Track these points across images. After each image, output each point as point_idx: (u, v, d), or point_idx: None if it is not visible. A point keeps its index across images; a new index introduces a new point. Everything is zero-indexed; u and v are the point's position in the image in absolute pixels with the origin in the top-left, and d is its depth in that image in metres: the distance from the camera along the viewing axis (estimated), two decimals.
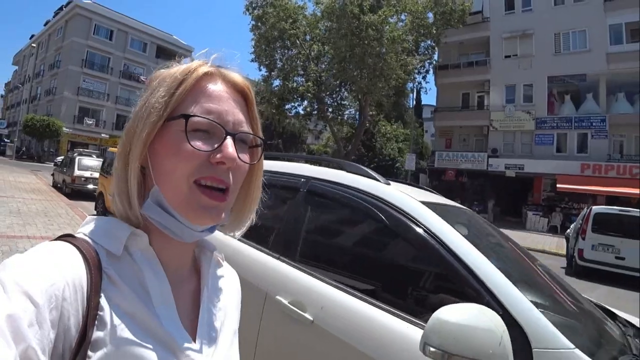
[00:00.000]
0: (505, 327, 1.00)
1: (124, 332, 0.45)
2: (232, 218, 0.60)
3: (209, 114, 0.51)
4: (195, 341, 0.52)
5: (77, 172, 12.81)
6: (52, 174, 16.37)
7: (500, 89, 22.74)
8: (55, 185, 14.95)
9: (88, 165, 13.28)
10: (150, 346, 0.46)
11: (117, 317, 0.46)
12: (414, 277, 1.65)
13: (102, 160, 11.71)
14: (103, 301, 0.46)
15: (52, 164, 20.95)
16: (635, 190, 17.35)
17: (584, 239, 9.20)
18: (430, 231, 1.49)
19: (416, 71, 20.98)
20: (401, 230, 1.59)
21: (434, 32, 20.33)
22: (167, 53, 44.35)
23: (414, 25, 20.37)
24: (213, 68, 0.54)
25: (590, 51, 20.40)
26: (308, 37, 21.17)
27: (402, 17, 20.36)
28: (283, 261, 1.75)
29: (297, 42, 20.93)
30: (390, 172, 26.21)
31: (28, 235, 6.74)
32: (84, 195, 12.45)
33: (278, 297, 1.62)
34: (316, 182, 1.93)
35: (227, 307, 0.62)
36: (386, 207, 1.63)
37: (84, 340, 0.43)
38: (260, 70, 22.12)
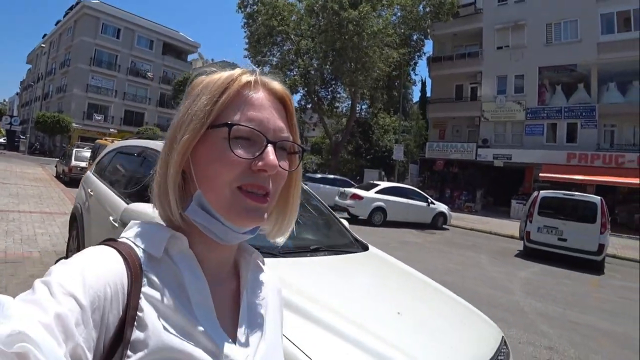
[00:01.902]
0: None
1: (163, 333, 0.46)
2: (273, 224, 0.62)
3: (251, 122, 0.52)
4: (235, 343, 0.53)
5: (73, 163, 14.22)
6: (55, 166, 17.57)
7: (492, 80, 22.90)
8: (57, 176, 16.10)
9: (83, 156, 14.80)
10: (190, 348, 0.47)
11: (156, 318, 0.47)
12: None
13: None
14: (143, 302, 0.47)
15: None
16: (619, 179, 17.52)
17: (531, 222, 9.57)
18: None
19: (404, 64, 21.33)
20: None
21: (423, 25, 20.64)
22: (173, 49, 45.29)
23: (405, 18, 20.73)
24: (254, 76, 0.55)
25: (582, 41, 20.43)
26: (297, 33, 21.75)
27: (392, 10, 20.75)
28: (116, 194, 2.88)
29: (287, 38, 21.55)
30: (385, 162, 26.59)
31: (19, 210, 7.62)
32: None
33: (110, 217, 2.63)
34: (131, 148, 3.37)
35: (267, 310, 0.62)
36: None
37: (121, 340, 0.44)
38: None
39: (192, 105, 0.53)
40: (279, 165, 0.53)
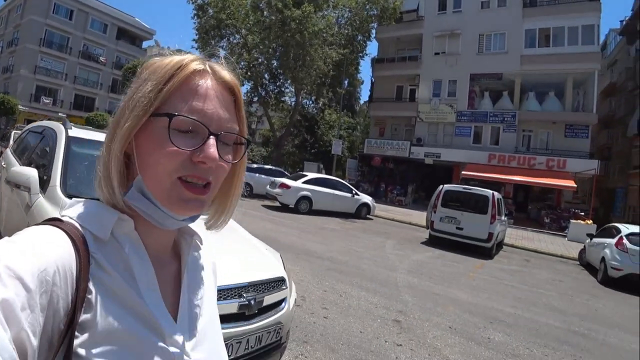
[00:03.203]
0: None
1: (111, 314, 0.47)
2: (213, 214, 0.62)
3: (194, 112, 0.51)
4: (176, 322, 0.55)
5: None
6: None
7: (428, 83, 24.39)
8: None
9: None
10: (136, 327, 0.49)
11: (104, 299, 0.47)
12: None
13: None
14: (91, 284, 0.47)
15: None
16: (529, 179, 19.53)
17: (435, 212, 10.66)
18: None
19: (347, 63, 22.14)
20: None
21: (367, 27, 21.53)
22: (128, 35, 43.48)
23: (351, 20, 21.47)
24: (204, 65, 0.54)
25: (508, 53, 22.35)
26: (245, 28, 21.88)
27: (341, 12, 21.47)
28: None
29: (235, 32, 21.62)
30: (328, 156, 27.41)
31: None
32: None
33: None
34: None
35: (205, 289, 0.63)
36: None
37: (72, 323, 0.44)
38: None
39: (137, 91, 0.52)
40: (221, 157, 0.52)
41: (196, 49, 22.69)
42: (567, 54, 20.47)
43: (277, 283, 2.51)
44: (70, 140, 2.98)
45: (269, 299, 2.37)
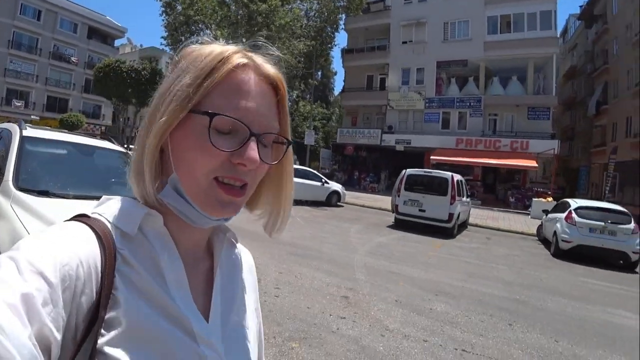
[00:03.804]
0: None
1: (138, 311, 0.46)
2: (268, 218, 0.61)
3: (236, 111, 0.48)
4: (208, 321, 0.53)
5: None
6: None
7: (397, 71, 24.82)
8: None
9: None
10: (164, 326, 0.47)
11: (131, 296, 0.46)
12: None
13: None
14: (117, 281, 0.46)
15: None
16: (494, 160, 20.26)
17: (399, 196, 11.05)
18: None
19: (316, 55, 22.29)
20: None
21: (335, 18, 21.71)
22: (99, 34, 42.57)
23: (319, 12, 21.55)
24: (247, 58, 0.51)
25: (472, 39, 22.95)
26: (214, 23, 21.73)
27: (309, 4, 21.53)
28: None
29: (204, 27, 21.41)
30: (303, 147, 27.63)
31: None
32: None
33: None
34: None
35: (240, 288, 0.62)
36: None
37: (96, 319, 0.43)
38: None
39: (176, 82, 0.50)
40: (261, 159, 0.50)
41: (166, 46, 22.39)
42: (527, 39, 21.21)
43: None
44: (24, 139, 3.25)
45: None
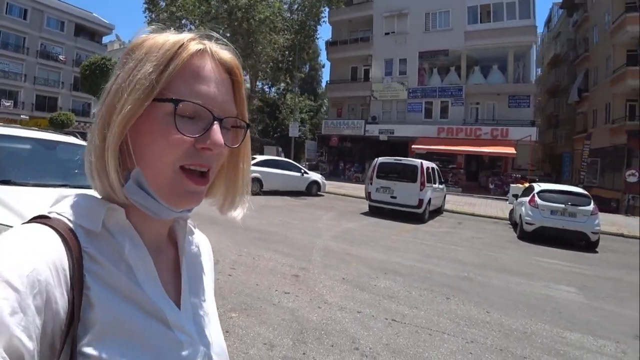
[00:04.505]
0: None
1: (112, 308, 0.46)
2: (224, 199, 0.61)
3: (198, 97, 0.49)
4: (180, 309, 0.54)
5: None
6: None
7: (380, 62, 25.07)
8: None
9: None
10: (140, 318, 0.48)
11: (103, 294, 0.46)
12: None
13: None
14: (88, 280, 0.45)
15: None
16: (475, 148, 20.65)
17: (371, 184, 11.39)
18: None
19: (299, 48, 22.49)
20: None
21: (316, 11, 21.89)
22: (87, 31, 42.51)
23: (301, 5, 21.68)
24: (203, 45, 0.52)
25: (453, 29, 23.18)
26: (197, 19, 21.83)
27: None
28: None
29: (187, 23, 21.50)
30: (289, 139, 27.92)
31: None
32: None
33: None
34: None
35: (203, 273, 0.64)
36: None
37: (72, 321, 0.43)
38: None
39: (135, 71, 0.48)
40: (224, 143, 0.50)
41: None
42: (506, 29, 21.48)
43: None
44: None
45: None
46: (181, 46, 0.50)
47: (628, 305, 5.40)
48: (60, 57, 39.17)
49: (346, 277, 5.34)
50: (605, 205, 20.70)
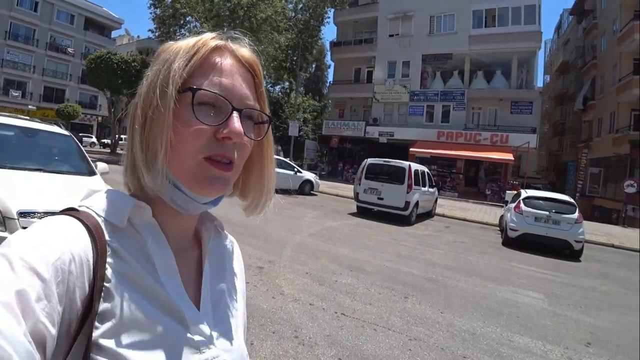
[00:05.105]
0: None
1: (130, 302, 0.47)
2: (251, 200, 0.62)
3: (216, 87, 0.51)
4: (199, 309, 0.55)
5: None
6: None
7: (383, 64, 25.10)
8: None
9: None
10: (157, 315, 0.48)
11: (123, 288, 0.47)
12: None
13: None
14: (109, 273, 0.47)
15: None
16: (473, 153, 20.57)
17: (360, 184, 11.47)
18: None
19: (302, 48, 22.67)
20: None
21: (320, 12, 22.05)
22: (96, 25, 43.34)
23: (306, 6, 21.83)
24: (222, 42, 0.54)
25: (457, 33, 23.12)
26: (200, 16, 22.11)
27: None
28: None
29: (191, 20, 21.85)
30: (289, 138, 28.14)
31: None
32: None
33: None
34: None
35: (229, 275, 0.64)
36: None
37: (89, 312, 0.44)
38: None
39: (162, 70, 0.51)
40: (245, 134, 0.52)
41: (154, 39, 22.90)
42: (511, 34, 21.34)
43: None
44: None
45: None
46: (202, 43, 0.53)
47: (590, 313, 5.41)
48: (69, 49, 40.08)
49: (310, 272, 5.45)
50: (606, 216, 20.51)
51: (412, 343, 3.79)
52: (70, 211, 0.50)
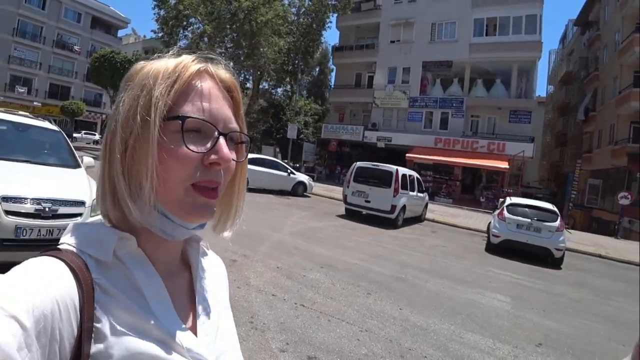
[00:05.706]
0: None
1: (125, 340, 0.45)
2: (219, 217, 0.61)
3: (202, 113, 0.50)
4: (196, 335, 0.54)
5: None
6: None
7: (384, 70, 25.39)
8: None
9: None
10: (153, 349, 0.47)
11: (115, 326, 0.46)
12: None
13: None
14: (98, 313, 0.46)
15: None
16: (469, 160, 20.72)
17: (348, 187, 11.69)
18: None
19: (303, 51, 23.03)
20: None
21: (322, 16, 22.38)
22: (103, 24, 44.16)
23: (308, 9, 22.20)
24: (202, 65, 0.54)
25: (458, 41, 23.31)
26: (203, 18, 22.55)
27: (295, 1, 22.24)
28: None
29: (194, 22, 22.31)
30: (292, 141, 28.42)
31: None
32: None
33: None
34: None
35: (220, 295, 0.64)
36: None
37: (80, 356, 0.43)
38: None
39: (142, 96, 0.50)
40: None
41: (159, 39, 23.36)
42: (511, 43, 21.50)
43: (76, 203, 3.85)
44: None
45: (63, 210, 3.71)
46: (183, 67, 0.52)
47: (552, 317, 5.53)
48: (76, 47, 40.94)
49: (280, 267, 5.68)
50: (604, 227, 20.46)
51: (363, 334, 3.97)
52: (52, 251, 0.48)
